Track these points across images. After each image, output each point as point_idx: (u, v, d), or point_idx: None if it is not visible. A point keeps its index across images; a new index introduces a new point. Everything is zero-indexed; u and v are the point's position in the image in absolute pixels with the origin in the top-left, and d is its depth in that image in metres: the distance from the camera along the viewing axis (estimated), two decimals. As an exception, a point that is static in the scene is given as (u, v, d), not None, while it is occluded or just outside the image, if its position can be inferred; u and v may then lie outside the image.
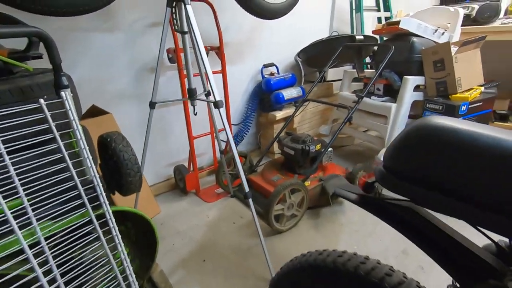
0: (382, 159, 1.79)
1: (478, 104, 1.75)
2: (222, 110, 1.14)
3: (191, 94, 1.38)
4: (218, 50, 1.88)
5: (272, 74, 2.39)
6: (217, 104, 1.10)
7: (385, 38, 2.31)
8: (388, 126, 1.92)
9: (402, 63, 1.94)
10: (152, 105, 1.32)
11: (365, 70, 2.31)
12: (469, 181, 0.37)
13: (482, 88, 1.84)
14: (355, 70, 2.38)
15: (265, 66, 2.36)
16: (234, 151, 1.22)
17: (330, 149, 1.84)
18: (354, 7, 2.72)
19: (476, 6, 2.28)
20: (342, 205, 1.81)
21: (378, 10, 2.94)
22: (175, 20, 1.22)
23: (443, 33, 1.94)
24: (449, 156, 0.39)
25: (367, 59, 2.64)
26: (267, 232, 1.57)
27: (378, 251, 1.42)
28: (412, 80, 1.84)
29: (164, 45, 1.25)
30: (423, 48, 1.84)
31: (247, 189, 1.19)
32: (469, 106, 1.70)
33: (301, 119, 2.46)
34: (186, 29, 1.22)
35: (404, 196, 0.45)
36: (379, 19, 2.95)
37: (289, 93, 2.29)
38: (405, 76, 1.86)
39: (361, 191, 0.55)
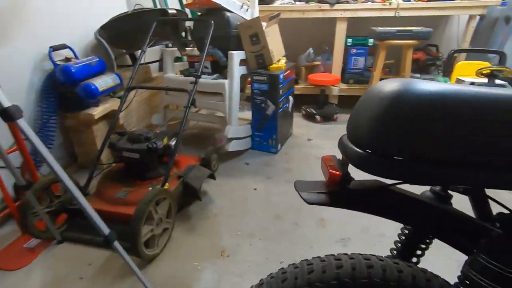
0: (228, 135, 1.77)
1: (287, 72, 2.06)
2: (22, 121, 0.65)
3: None
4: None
5: (68, 59, 1.75)
6: (10, 114, 0.61)
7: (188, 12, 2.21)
8: (225, 103, 1.92)
9: (221, 38, 1.93)
10: None
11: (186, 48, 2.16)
12: (482, 144, 0.33)
13: (285, 59, 2.18)
14: (174, 48, 2.17)
15: (54, 49, 1.68)
16: (61, 175, 0.77)
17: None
18: (150, -22, 2.42)
19: (259, -13, 2.61)
20: (207, 194, 1.69)
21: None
22: None
23: (247, 9, 2.09)
24: (464, 123, 0.33)
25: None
26: (137, 264, 1.21)
27: (257, 226, 1.43)
28: (237, 55, 1.89)
29: None
30: (238, 23, 1.90)
31: (106, 229, 0.80)
32: (284, 74, 1.98)
33: (127, 112, 2.02)
34: None
35: (401, 178, 0.37)
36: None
37: (103, 82, 1.78)
38: (230, 52, 1.88)
39: (329, 188, 0.43)
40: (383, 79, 2.32)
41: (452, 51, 2.50)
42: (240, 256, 1.26)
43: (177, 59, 2.33)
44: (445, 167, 0.34)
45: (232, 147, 2.02)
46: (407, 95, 0.36)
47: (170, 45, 2.63)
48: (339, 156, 0.49)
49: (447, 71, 2.52)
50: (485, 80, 2.08)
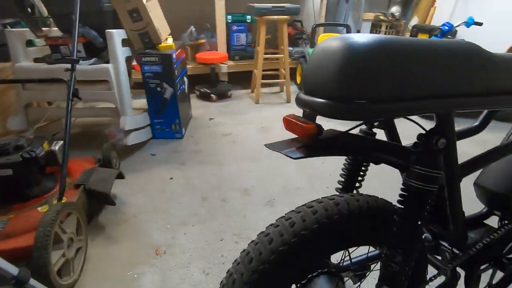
0: (125, 127, 1.61)
1: (178, 51, 1.94)
2: None
3: None
4: None
5: None
6: None
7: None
8: (114, 91, 1.67)
9: (92, 14, 1.62)
10: None
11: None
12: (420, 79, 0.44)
13: (171, 37, 2.04)
14: (23, 29, 1.68)
15: None
16: None
17: (60, 142, 1.33)
18: None
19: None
20: (117, 197, 1.47)
21: None
22: None
23: (116, -20, 1.80)
24: (408, 65, 0.42)
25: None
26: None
27: (185, 213, 1.37)
28: (117, 34, 1.63)
29: None
30: (111, -5, 1.63)
31: (14, 268, 0.60)
32: (176, 54, 1.86)
33: (-34, 120, 1.47)
34: None
35: (364, 118, 0.45)
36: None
37: None
38: (108, 31, 1.60)
39: (303, 141, 0.47)
40: (267, 53, 2.51)
41: (314, 25, 2.94)
42: (178, 248, 1.19)
43: (28, 43, 1.82)
44: (399, 102, 0.43)
45: (132, 140, 1.81)
46: (357, 47, 0.42)
47: (8, 26, 2.02)
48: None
49: (313, 43, 2.96)
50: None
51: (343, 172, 0.67)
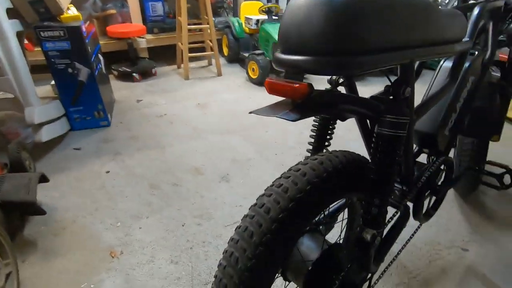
0: (34, 121, 1.38)
1: (87, 23, 1.63)
2: None
3: None
4: None
5: None
6: None
7: None
8: (8, 76, 1.33)
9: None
10: None
11: None
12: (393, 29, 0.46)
13: (73, 6, 1.69)
14: None
15: None
16: None
17: None
18: None
19: None
20: (44, 204, 1.24)
21: None
22: None
23: None
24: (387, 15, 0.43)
25: None
26: None
27: (136, 206, 1.25)
28: (-2, 2, 1.27)
29: None
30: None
31: None
32: (85, 26, 1.56)
33: None
34: None
35: (352, 71, 0.45)
36: None
37: None
38: (-17, -4, 1.22)
39: (294, 103, 0.44)
40: (189, 24, 2.33)
41: (235, -7, 2.83)
42: (136, 244, 1.08)
43: None
44: (380, 54, 0.44)
45: (45, 135, 1.50)
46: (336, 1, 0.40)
47: None
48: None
49: (236, 12, 2.87)
50: (265, 16, 2.56)
51: (313, 133, 0.69)
